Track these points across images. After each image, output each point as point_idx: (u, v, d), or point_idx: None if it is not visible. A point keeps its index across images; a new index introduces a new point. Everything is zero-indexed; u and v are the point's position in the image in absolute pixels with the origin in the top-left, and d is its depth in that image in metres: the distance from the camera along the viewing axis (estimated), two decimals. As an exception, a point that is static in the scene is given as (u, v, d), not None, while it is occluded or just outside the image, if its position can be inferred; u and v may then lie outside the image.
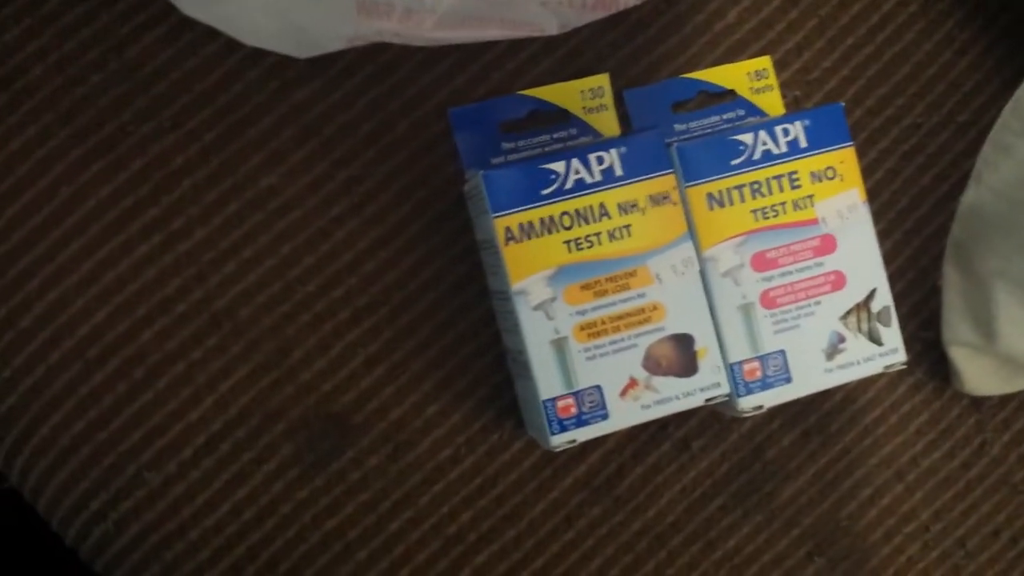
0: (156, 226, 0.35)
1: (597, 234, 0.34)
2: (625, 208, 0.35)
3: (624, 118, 0.39)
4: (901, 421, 0.41)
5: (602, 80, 0.39)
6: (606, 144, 0.35)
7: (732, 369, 0.35)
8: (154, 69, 0.35)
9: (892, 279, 0.41)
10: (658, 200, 0.35)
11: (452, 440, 0.37)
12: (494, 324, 0.38)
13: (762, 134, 0.36)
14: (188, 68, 0.36)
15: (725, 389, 0.35)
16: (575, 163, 0.34)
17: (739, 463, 0.40)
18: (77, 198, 0.35)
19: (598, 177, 0.34)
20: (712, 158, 0.35)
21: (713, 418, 0.40)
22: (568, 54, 0.39)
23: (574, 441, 0.34)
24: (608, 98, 0.39)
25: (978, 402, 0.42)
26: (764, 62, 0.40)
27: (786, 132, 0.36)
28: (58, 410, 0.35)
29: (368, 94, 0.37)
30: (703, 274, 0.35)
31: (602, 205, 0.34)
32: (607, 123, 0.39)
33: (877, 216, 0.41)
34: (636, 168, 0.35)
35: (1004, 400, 0.42)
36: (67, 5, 0.35)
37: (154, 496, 0.35)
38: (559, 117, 0.39)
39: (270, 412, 0.36)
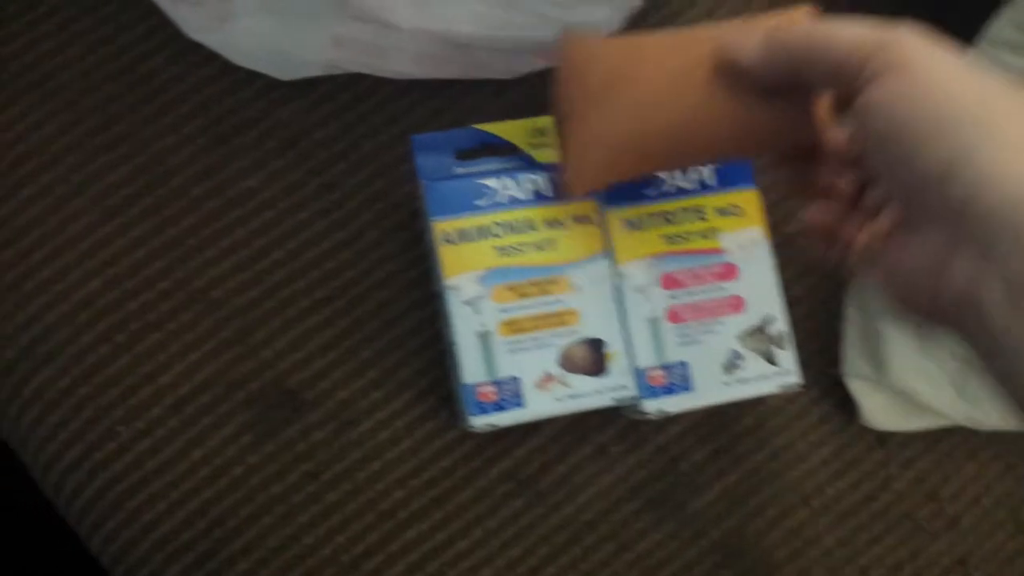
0: (149, 213, 0.41)
1: (526, 243, 0.40)
2: (551, 224, 0.40)
3: (566, 155, 0.45)
4: (809, 449, 0.45)
5: (547, 121, 0.45)
6: (537, 168, 0.40)
7: (639, 374, 0.40)
8: (161, 83, 0.42)
9: (807, 317, 0.45)
10: (580, 220, 0.40)
11: (392, 423, 0.42)
12: (437, 324, 0.42)
13: (676, 172, 0.41)
14: (189, 83, 0.42)
15: (631, 391, 0.39)
16: (509, 181, 0.40)
17: (654, 472, 0.43)
18: (85, 184, 0.41)
19: (529, 195, 0.40)
20: (630, 187, 0.41)
21: (631, 427, 0.44)
22: (521, 96, 0.45)
23: (494, 425, 0.39)
24: (552, 137, 0.45)
25: (883, 438, 0.45)
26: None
27: (696, 171, 0.41)
28: (49, 365, 0.40)
29: (343, 116, 0.43)
30: (618, 288, 0.40)
31: (530, 219, 0.40)
32: (549, 159, 0.45)
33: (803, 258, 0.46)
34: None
35: (909, 438, 0.45)
36: (95, 24, 0.42)
37: (122, 449, 0.40)
38: (508, 150, 0.45)
39: (231, 383, 0.41)
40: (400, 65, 0.42)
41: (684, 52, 0.35)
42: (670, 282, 0.40)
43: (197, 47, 0.41)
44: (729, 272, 0.41)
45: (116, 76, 0.42)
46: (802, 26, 0.30)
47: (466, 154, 0.44)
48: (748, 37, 0.31)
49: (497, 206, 0.39)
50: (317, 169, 0.42)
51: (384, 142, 0.43)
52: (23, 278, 0.40)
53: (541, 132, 0.45)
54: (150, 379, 0.40)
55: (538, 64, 0.44)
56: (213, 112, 0.42)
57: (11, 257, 0.40)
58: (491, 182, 0.39)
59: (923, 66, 0.26)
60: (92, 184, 0.41)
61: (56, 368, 0.40)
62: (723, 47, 0.32)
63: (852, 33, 0.28)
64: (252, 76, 0.42)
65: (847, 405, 0.44)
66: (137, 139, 0.41)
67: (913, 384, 0.42)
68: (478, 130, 0.44)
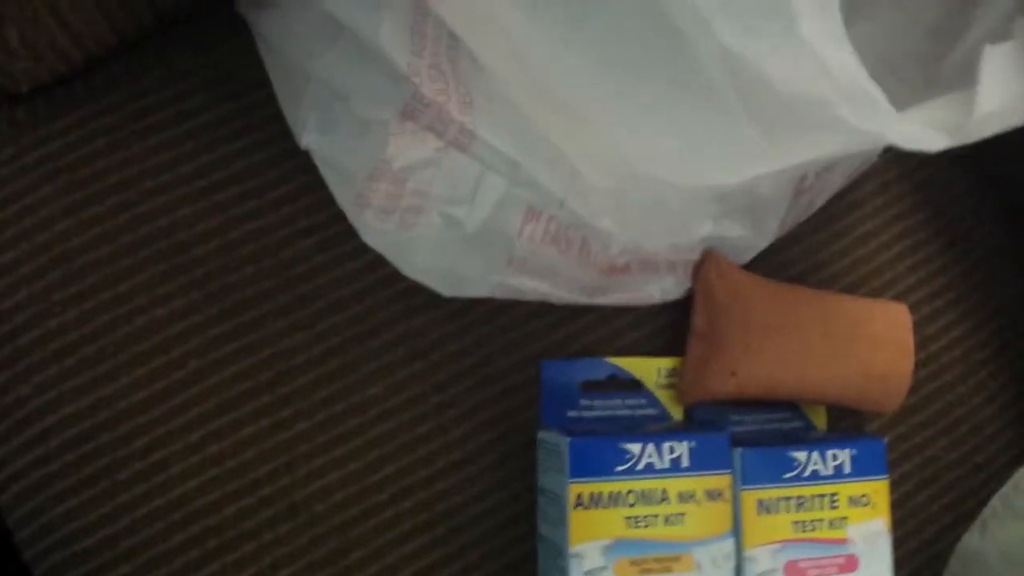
0: (266, 412, 0.38)
1: (655, 516, 0.38)
2: (683, 497, 0.38)
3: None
4: None
5: (677, 362, 0.43)
6: (679, 436, 0.39)
7: (748, 664, 0.38)
8: (303, 272, 0.39)
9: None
10: (713, 495, 0.39)
11: (475, 667, 0.39)
12: (532, 564, 0.40)
13: (814, 454, 0.40)
14: (332, 276, 0.40)
15: None
16: (649, 447, 0.38)
17: None
18: (203, 372, 0.38)
19: (666, 464, 0.38)
20: (768, 467, 0.40)
21: None
22: (656, 330, 0.44)
23: None
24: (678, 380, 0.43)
25: None
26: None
27: (834, 456, 0.40)
28: (129, 561, 0.37)
29: (476, 331, 0.41)
30: (740, 571, 0.39)
31: (664, 491, 0.38)
32: (674, 402, 0.43)
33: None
34: (700, 463, 0.39)
35: None
36: (241, 198, 0.39)
37: (192, 661, 0.37)
38: (633, 386, 0.43)
39: (319, 606, 0.38)
40: (568, 292, 0.40)
41: (827, 320, 0.42)
42: (793, 570, 0.39)
43: (347, 238, 0.39)
44: (851, 564, 0.40)
45: (257, 258, 0.39)
46: None
47: (591, 385, 0.43)
48: None
49: (634, 472, 0.38)
50: (443, 383, 0.40)
51: (514, 362, 0.41)
52: (118, 465, 0.37)
53: (670, 372, 0.43)
54: (236, 592, 0.38)
55: (682, 292, 0.43)
56: (351, 311, 0.40)
57: (108, 441, 0.37)
58: (632, 447, 0.38)
59: None
60: (210, 374, 0.38)
61: (136, 566, 0.37)
62: None
63: None
64: (395, 278, 0.40)
65: None
66: (267, 330, 0.39)
67: None
68: (607, 362, 0.43)
